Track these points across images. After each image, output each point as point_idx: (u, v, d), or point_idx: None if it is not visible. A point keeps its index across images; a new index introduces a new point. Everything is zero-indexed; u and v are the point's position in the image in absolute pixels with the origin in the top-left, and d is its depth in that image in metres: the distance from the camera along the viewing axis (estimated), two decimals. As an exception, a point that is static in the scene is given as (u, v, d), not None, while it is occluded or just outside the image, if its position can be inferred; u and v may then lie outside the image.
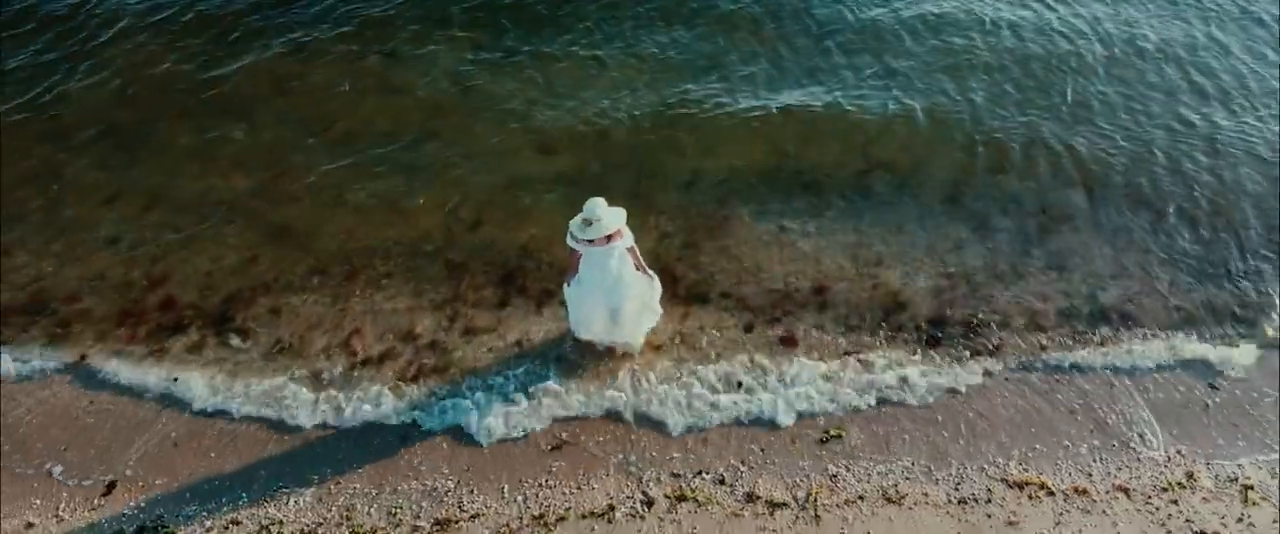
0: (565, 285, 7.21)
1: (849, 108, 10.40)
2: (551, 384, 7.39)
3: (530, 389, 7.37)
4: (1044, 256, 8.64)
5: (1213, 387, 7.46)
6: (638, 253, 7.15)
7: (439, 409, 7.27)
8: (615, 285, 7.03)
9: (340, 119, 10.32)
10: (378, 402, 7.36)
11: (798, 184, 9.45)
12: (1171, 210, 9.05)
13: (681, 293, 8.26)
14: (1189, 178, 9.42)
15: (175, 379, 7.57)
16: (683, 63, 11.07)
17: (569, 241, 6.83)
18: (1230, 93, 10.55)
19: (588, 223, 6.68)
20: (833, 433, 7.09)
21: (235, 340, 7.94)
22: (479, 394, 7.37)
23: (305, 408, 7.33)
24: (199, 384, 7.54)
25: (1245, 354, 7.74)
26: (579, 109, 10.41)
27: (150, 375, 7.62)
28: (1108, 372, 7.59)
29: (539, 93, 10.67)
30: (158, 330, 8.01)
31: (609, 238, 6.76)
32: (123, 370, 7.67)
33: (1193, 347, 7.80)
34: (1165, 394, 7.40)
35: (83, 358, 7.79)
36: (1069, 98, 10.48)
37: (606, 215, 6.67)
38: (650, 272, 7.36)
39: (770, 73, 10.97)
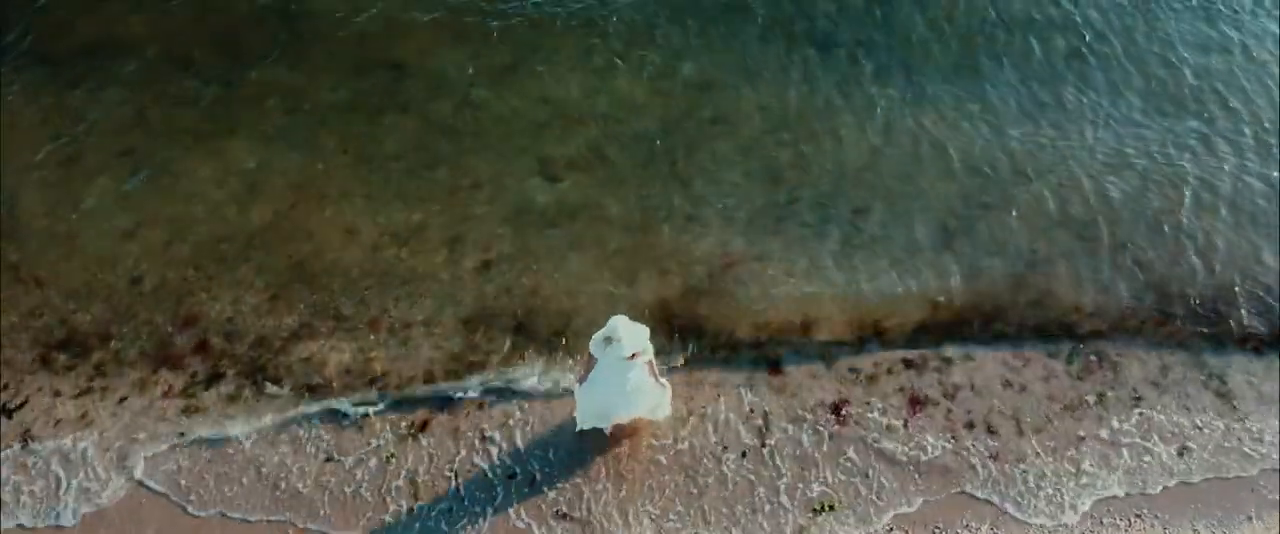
0: (578, 383, 7.50)
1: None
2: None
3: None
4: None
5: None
6: (654, 365, 7.40)
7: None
8: (630, 395, 7.31)
9: (352, 141, 10.55)
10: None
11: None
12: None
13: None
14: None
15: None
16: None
17: (591, 348, 7.09)
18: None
19: (609, 341, 6.94)
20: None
21: (271, 388, 8.45)
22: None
23: (332, 471, 7.91)
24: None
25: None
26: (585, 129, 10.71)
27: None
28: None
29: (547, 114, 10.88)
30: (192, 381, 8.51)
31: (631, 356, 7.02)
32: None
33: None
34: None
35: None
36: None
37: (628, 338, 6.90)
38: (664, 381, 7.67)
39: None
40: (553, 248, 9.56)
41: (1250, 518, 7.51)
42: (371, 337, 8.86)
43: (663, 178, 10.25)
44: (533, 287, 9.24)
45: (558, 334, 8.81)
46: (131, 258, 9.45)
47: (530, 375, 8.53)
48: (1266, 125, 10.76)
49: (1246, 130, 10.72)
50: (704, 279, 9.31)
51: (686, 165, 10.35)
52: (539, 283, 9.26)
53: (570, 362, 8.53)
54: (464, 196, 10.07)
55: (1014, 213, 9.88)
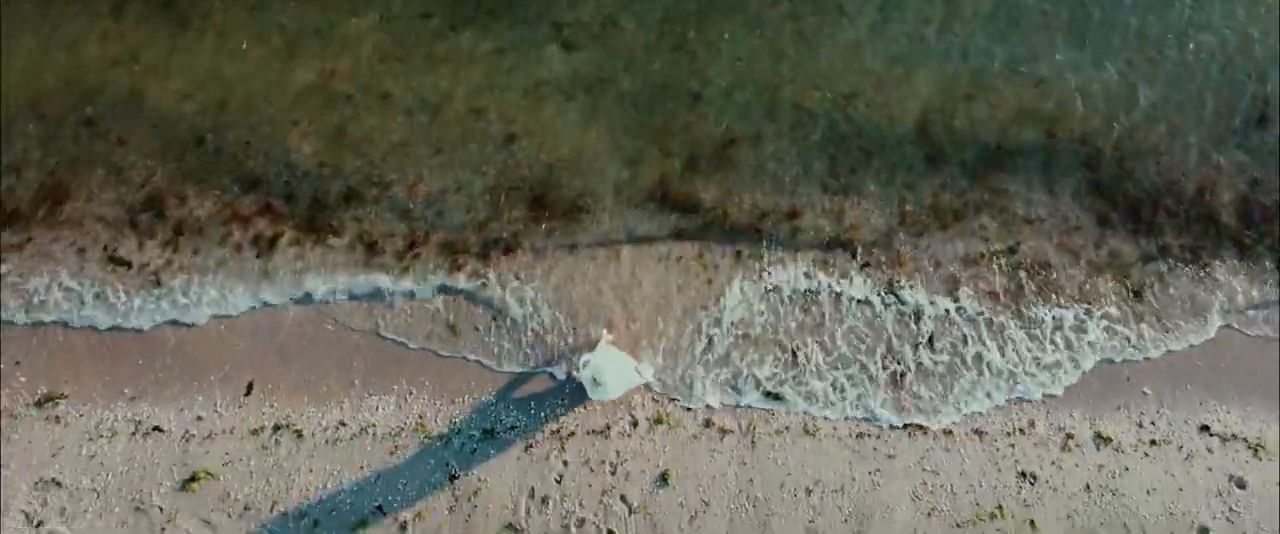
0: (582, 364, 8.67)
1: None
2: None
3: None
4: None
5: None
6: (640, 369, 9.00)
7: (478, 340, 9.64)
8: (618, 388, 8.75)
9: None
10: (434, 318, 9.69)
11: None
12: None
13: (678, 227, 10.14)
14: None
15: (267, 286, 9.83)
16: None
17: (579, 375, 8.60)
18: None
19: (596, 383, 8.31)
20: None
21: (333, 240, 10.01)
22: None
23: (382, 317, 9.68)
24: (292, 285, 9.82)
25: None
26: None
27: (256, 285, 9.86)
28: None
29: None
30: (260, 237, 10.06)
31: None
32: (236, 282, 9.89)
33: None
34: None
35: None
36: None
37: (613, 385, 8.36)
38: (643, 371, 9.09)
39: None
40: (568, 123, 10.57)
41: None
42: (411, 203, 10.24)
43: (672, 52, 10.95)
44: (549, 161, 10.41)
45: (571, 211, 10.15)
46: (192, 117, 10.59)
47: (544, 239, 10.05)
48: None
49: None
50: (702, 159, 10.43)
51: (696, 39, 11.01)
52: (554, 158, 10.42)
53: (577, 226, 10.03)
54: (487, 64, 10.89)
55: (986, 105, 10.67)
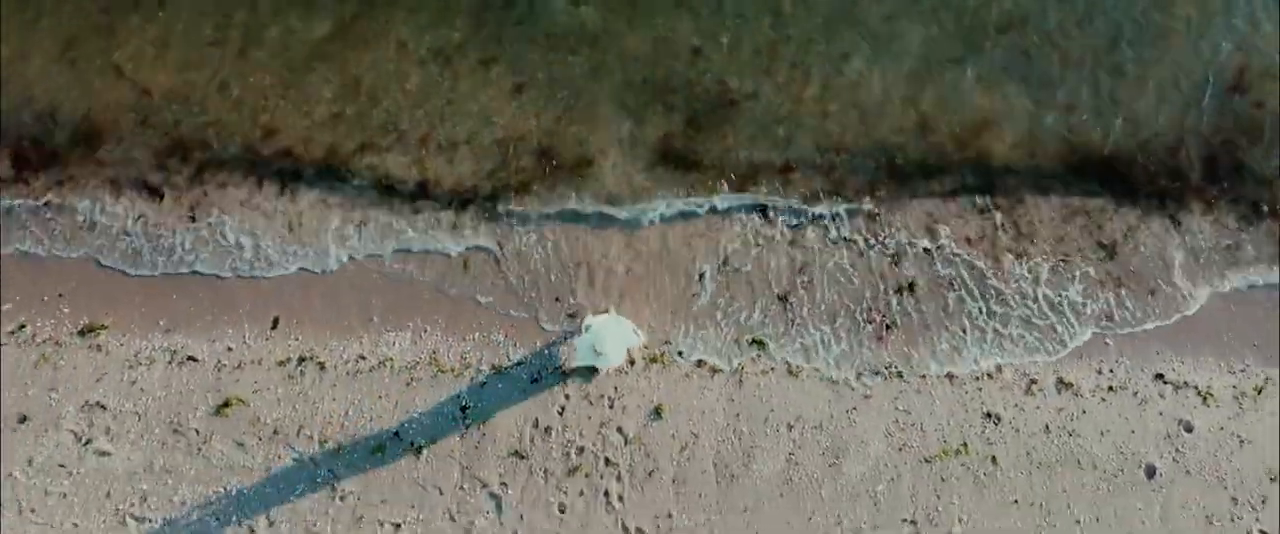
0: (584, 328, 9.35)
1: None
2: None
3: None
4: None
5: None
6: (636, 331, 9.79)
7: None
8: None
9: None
10: (448, 263, 10.38)
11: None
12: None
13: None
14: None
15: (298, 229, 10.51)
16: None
17: (578, 345, 9.29)
18: None
19: (597, 352, 9.04)
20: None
21: (350, 186, 10.65)
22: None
23: (397, 261, 10.38)
24: (319, 231, 10.50)
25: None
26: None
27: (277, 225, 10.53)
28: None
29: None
30: (277, 176, 10.70)
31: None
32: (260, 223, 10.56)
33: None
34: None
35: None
36: None
37: (613, 353, 9.15)
38: (640, 333, 9.89)
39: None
40: (574, 77, 11.08)
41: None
42: (422, 150, 10.83)
43: (675, 7, 11.38)
44: (556, 114, 10.96)
45: (577, 164, 10.74)
46: (216, 63, 11.12)
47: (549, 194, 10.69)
48: None
49: None
50: (703, 114, 10.95)
51: (698, -4, 11.47)
52: (561, 112, 10.96)
53: (580, 182, 10.64)
54: (497, 14, 11.35)
55: (970, 72, 11.11)
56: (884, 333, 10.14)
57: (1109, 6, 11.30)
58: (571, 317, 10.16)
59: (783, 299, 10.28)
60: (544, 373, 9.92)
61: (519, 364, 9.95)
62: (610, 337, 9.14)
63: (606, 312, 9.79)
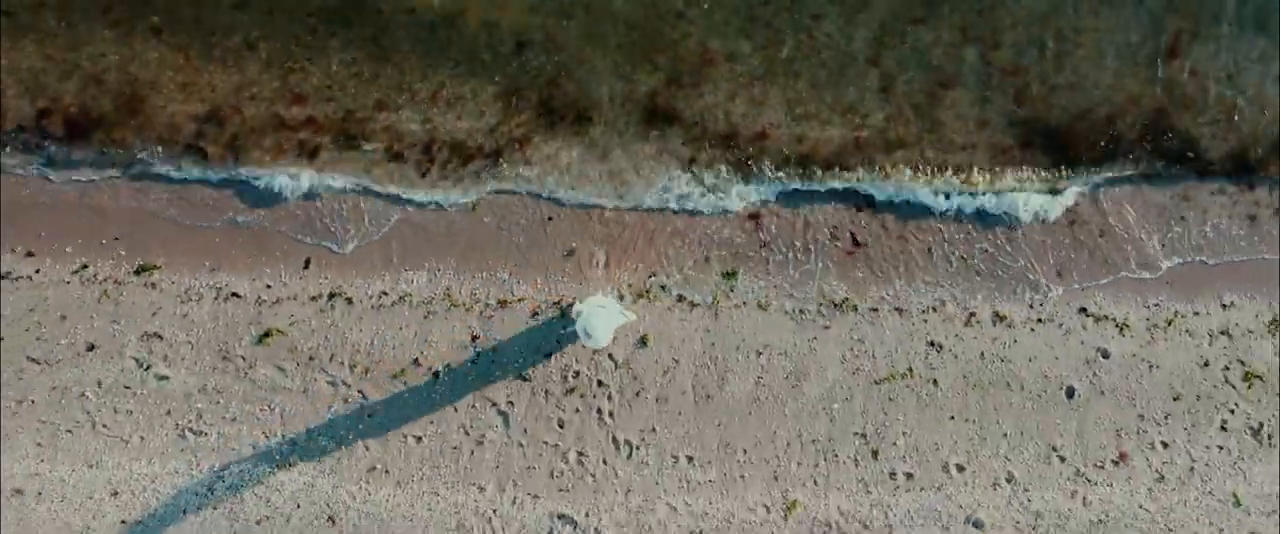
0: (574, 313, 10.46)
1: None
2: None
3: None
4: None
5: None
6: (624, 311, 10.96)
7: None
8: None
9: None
10: (457, 212, 11.70)
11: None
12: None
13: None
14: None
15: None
16: None
17: (577, 326, 10.17)
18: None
19: (587, 333, 10.01)
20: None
21: (366, 146, 11.89)
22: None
23: (411, 211, 11.70)
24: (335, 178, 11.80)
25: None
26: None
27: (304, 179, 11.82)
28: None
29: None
30: (304, 143, 11.95)
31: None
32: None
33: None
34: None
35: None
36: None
37: (601, 334, 10.02)
38: (627, 313, 11.00)
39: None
40: (569, 38, 12.19)
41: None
42: (433, 108, 12.04)
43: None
44: (553, 73, 12.11)
45: (576, 120, 11.96)
46: (244, 27, 12.25)
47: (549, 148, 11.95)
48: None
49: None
50: (685, 75, 12.10)
51: (682, -40, 12.49)
52: (557, 70, 12.12)
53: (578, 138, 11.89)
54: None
55: (941, 34, 12.21)
56: (853, 248, 11.46)
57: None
58: (568, 255, 11.53)
59: (753, 217, 11.57)
60: (543, 307, 11.34)
61: (521, 300, 11.36)
62: (598, 320, 10.15)
63: (596, 293, 11.13)
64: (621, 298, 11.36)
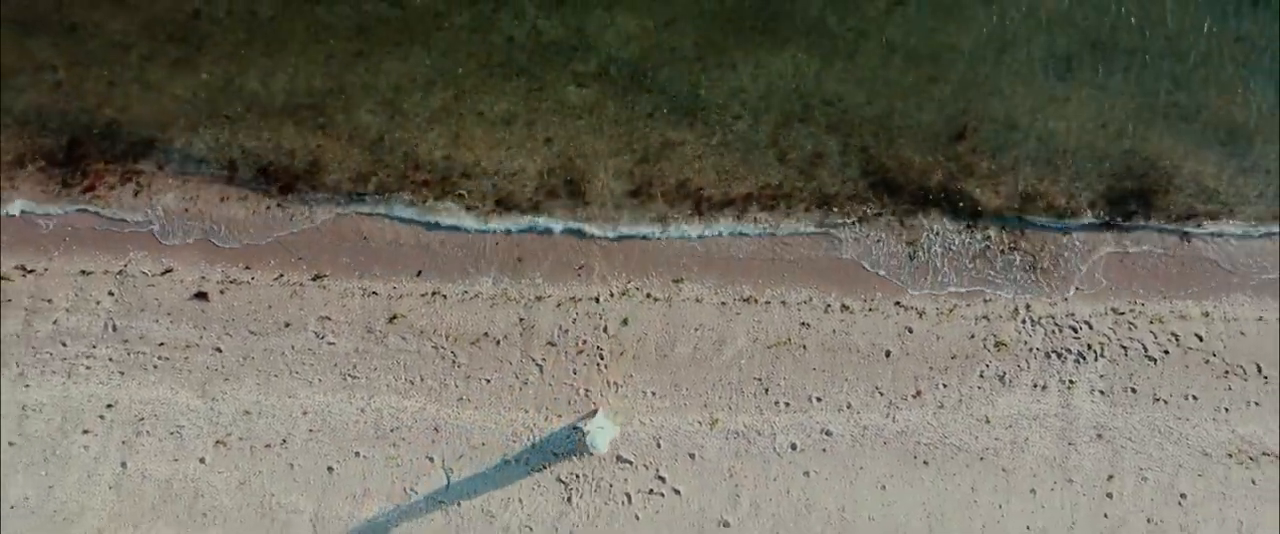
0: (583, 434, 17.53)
1: None
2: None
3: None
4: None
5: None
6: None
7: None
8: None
9: None
10: (497, 245, 18.79)
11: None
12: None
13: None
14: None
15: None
16: None
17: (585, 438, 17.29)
18: None
19: (594, 445, 16.94)
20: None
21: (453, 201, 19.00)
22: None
23: (469, 241, 18.80)
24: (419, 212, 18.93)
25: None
26: None
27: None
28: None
29: None
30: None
31: None
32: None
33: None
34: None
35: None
36: None
37: (602, 446, 16.95)
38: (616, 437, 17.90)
39: None
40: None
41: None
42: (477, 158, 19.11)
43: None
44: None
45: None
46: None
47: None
48: None
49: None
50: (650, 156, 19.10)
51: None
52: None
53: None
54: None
55: (857, 64, 19.21)
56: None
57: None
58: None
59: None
60: (564, 300, 18.44)
61: (549, 295, 18.47)
62: (599, 436, 16.95)
63: (594, 413, 17.28)
64: (612, 295, 18.40)
